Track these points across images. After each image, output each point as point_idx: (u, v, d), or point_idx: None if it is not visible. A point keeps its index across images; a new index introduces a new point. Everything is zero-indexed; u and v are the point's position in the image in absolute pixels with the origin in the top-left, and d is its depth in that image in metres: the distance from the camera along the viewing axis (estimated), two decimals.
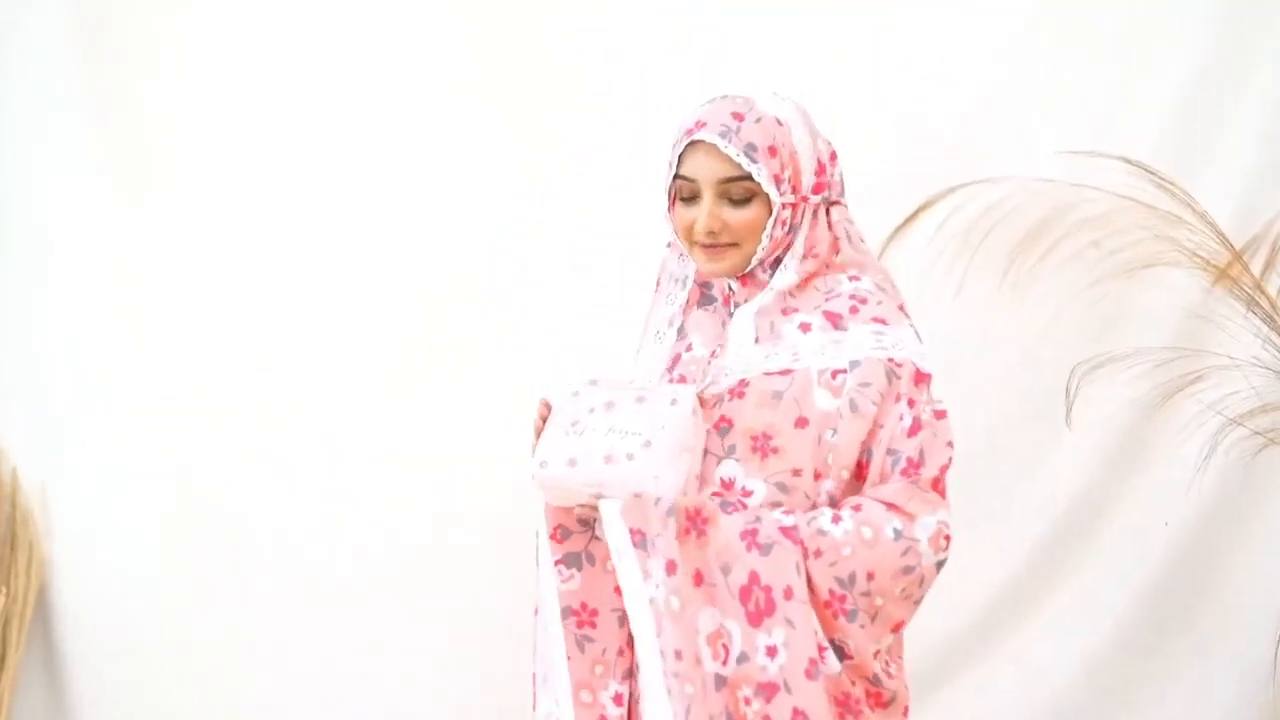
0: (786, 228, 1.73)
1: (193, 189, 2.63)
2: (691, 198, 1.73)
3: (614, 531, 1.60)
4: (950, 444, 1.69)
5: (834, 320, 1.71)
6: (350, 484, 2.59)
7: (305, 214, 2.61)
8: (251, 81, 2.61)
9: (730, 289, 1.80)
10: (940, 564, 1.65)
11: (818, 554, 1.60)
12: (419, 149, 2.58)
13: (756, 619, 1.58)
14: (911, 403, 1.67)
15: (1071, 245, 2.58)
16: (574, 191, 2.59)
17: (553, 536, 1.72)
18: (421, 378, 2.59)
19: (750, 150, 1.68)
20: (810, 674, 1.57)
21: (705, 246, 1.73)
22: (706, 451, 1.69)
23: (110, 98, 2.62)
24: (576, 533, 1.72)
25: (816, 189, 1.75)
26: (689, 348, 1.79)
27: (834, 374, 1.67)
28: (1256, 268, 2.52)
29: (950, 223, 2.59)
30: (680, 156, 1.73)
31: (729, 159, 1.68)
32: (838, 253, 1.76)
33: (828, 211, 1.77)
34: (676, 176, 1.74)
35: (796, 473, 1.66)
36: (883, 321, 1.70)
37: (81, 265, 2.63)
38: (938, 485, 1.66)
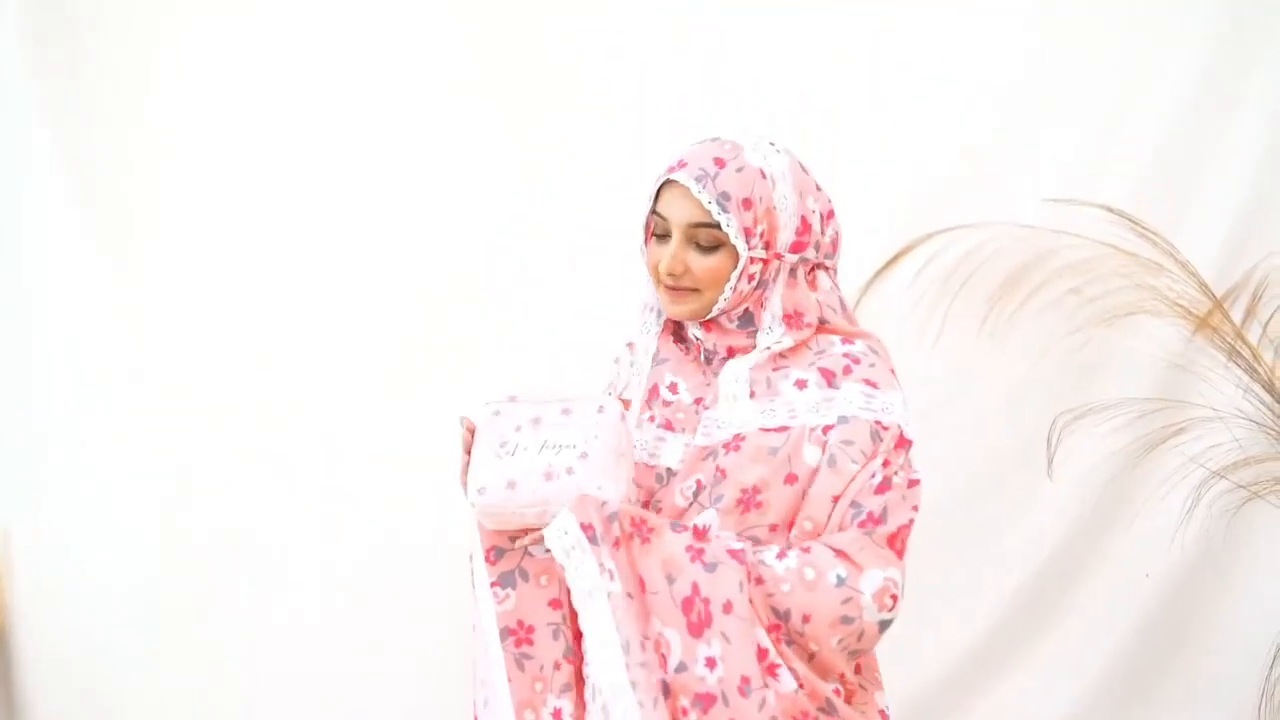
0: (755, 282, 1.71)
1: (192, 188, 2.63)
2: (664, 235, 1.72)
3: (563, 536, 1.58)
4: (916, 508, 1.67)
5: (829, 378, 1.70)
6: (350, 484, 2.58)
7: (305, 214, 2.61)
8: (252, 81, 2.61)
9: (696, 338, 1.78)
10: (884, 624, 1.61)
11: (758, 581, 1.59)
12: (419, 149, 2.58)
13: (697, 630, 1.56)
14: (887, 463, 1.66)
15: (1051, 292, 2.57)
16: (574, 191, 2.59)
17: (486, 558, 1.70)
18: (421, 378, 2.58)
19: (723, 199, 1.66)
20: (742, 691, 1.55)
21: (668, 288, 1.72)
22: (694, 501, 1.68)
23: (110, 94, 2.62)
24: (509, 550, 1.71)
25: (795, 248, 1.72)
26: (673, 388, 1.77)
27: (824, 430, 1.67)
28: (1237, 317, 2.51)
29: (930, 268, 2.58)
30: (658, 192, 1.72)
31: (700, 204, 1.67)
32: (825, 321, 1.75)
33: (812, 274, 1.75)
34: (653, 211, 1.73)
35: (774, 528, 1.67)
36: (873, 384, 1.70)
37: (80, 268, 2.64)
38: (894, 541, 1.63)
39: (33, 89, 2.60)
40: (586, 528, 1.58)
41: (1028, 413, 2.58)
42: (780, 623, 1.59)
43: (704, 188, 1.66)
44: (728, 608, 1.57)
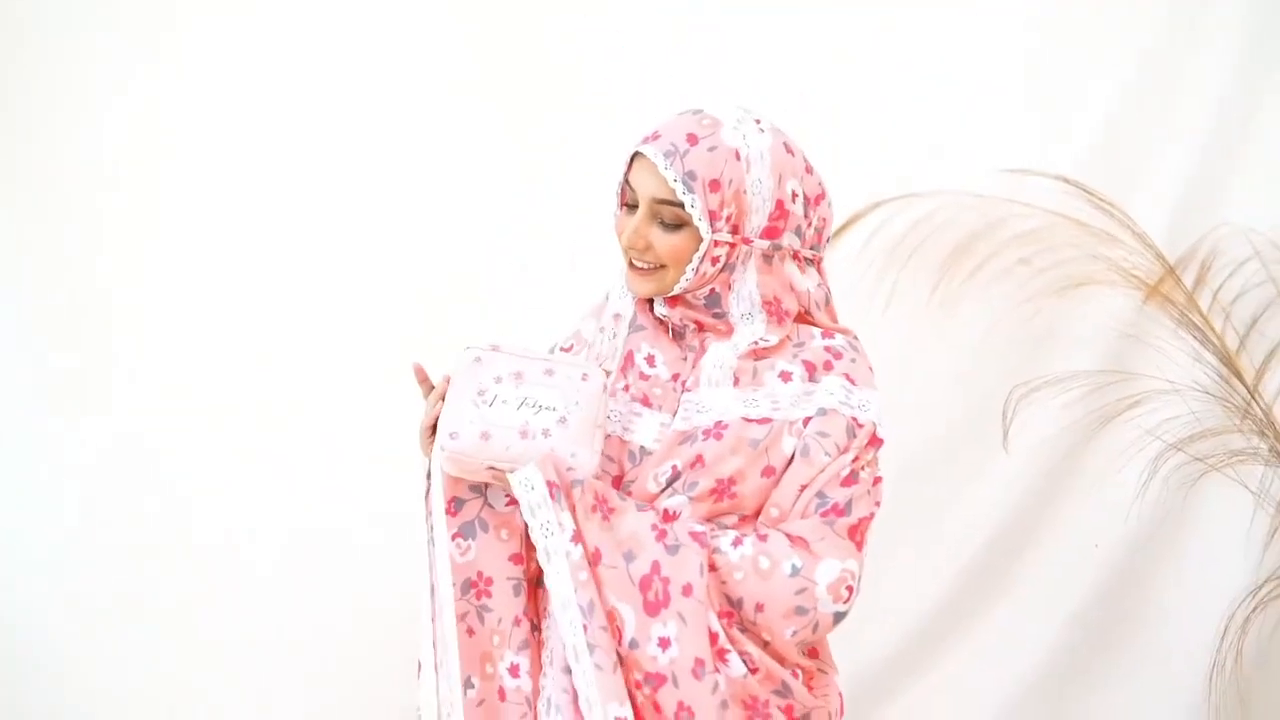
0: (720, 265, 1.65)
1: (192, 188, 2.60)
2: (633, 205, 1.67)
3: (530, 491, 1.56)
4: (878, 504, 1.66)
5: (810, 370, 1.68)
6: (350, 484, 2.57)
7: (305, 214, 2.59)
8: (252, 81, 2.58)
9: (662, 315, 1.72)
10: (839, 615, 1.60)
11: (712, 568, 1.58)
12: (419, 149, 2.58)
13: (653, 609, 1.55)
14: (856, 459, 1.64)
15: (1002, 262, 2.55)
16: (574, 191, 2.57)
17: (448, 510, 1.67)
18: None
19: (689, 179, 1.60)
20: (696, 673, 1.53)
21: (631, 264, 1.68)
22: (666, 487, 1.65)
23: (110, 90, 2.58)
24: (469, 500, 1.68)
25: (768, 233, 1.66)
26: (650, 360, 1.72)
27: (804, 422, 1.66)
28: (1187, 286, 2.51)
29: (878, 237, 2.56)
30: (630, 161, 1.66)
31: (666, 181, 1.61)
32: (808, 313, 1.72)
33: (798, 262, 1.70)
34: (625, 180, 1.67)
35: (744, 519, 1.65)
36: (852, 380, 1.68)
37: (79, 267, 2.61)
38: (854, 533, 1.61)
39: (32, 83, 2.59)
40: (551, 485, 1.56)
41: (979, 383, 2.58)
42: (733, 610, 1.58)
43: (670, 164, 1.60)
44: (687, 590, 1.55)
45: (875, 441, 1.67)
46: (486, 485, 1.68)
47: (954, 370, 2.58)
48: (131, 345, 2.61)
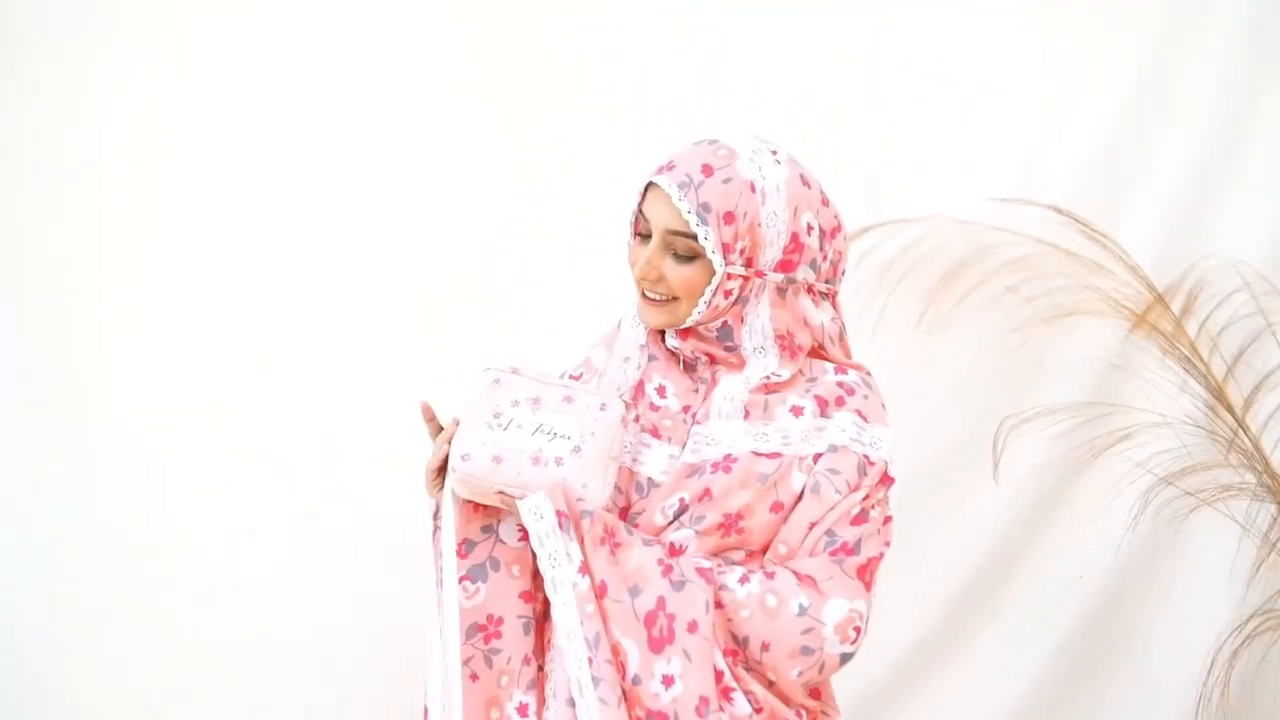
0: (732, 298, 1.63)
1: (192, 188, 2.58)
2: (646, 235, 1.64)
3: (539, 520, 1.54)
4: (888, 544, 1.64)
5: (822, 406, 1.66)
6: (351, 484, 2.55)
7: (305, 214, 2.58)
8: (252, 81, 2.57)
9: (673, 347, 1.70)
10: (846, 656, 1.58)
11: (718, 605, 1.56)
12: (419, 149, 2.57)
13: (658, 645, 1.53)
14: (867, 497, 1.62)
15: (990, 290, 2.55)
16: (574, 191, 2.57)
17: (458, 552, 1.65)
18: (422, 378, 2.46)
19: (703, 210, 1.57)
20: (700, 712, 1.51)
21: (644, 295, 1.65)
22: (673, 520, 1.63)
23: (110, 91, 2.57)
24: (480, 542, 1.67)
25: (782, 267, 1.63)
26: (660, 391, 1.70)
27: (815, 458, 1.64)
28: (1175, 315, 2.50)
29: (866, 262, 2.55)
30: (644, 191, 1.64)
31: (680, 213, 1.58)
32: (822, 348, 1.70)
33: (813, 296, 1.67)
34: (639, 209, 1.65)
35: (750, 554, 1.63)
36: (864, 417, 1.65)
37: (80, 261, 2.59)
38: (864, 573, 1.59)
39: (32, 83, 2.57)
40: (560, 515, 1.54)
41: (966, 411, 2.57)
42: (738, 649, 1.56)
43: (685, 195, 1.57)
44: (692, 627, 1.52)
45: (886, 480, 1.65)
46: (498, 522, 1.67)
47: (941, 397, 2.57)
48: (131, 346, 2.59)
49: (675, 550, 1.60)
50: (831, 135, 2.48)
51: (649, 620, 1.53)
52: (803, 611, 1.54)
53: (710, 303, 1.61)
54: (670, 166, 1.60)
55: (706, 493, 1.61)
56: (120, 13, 2.56)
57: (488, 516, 1.68)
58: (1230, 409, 2.48)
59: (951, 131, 2.59)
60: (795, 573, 1.57)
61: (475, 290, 2.57)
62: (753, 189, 1.59)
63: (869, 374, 1.72)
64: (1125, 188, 2.58)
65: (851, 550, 1.59)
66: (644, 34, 2.57)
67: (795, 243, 1.62)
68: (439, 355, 2.53)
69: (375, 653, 2.55)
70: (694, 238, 1.58)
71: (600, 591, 1.54)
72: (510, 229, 2.58)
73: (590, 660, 1.50)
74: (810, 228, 1.63)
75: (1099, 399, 2.55)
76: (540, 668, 1.66)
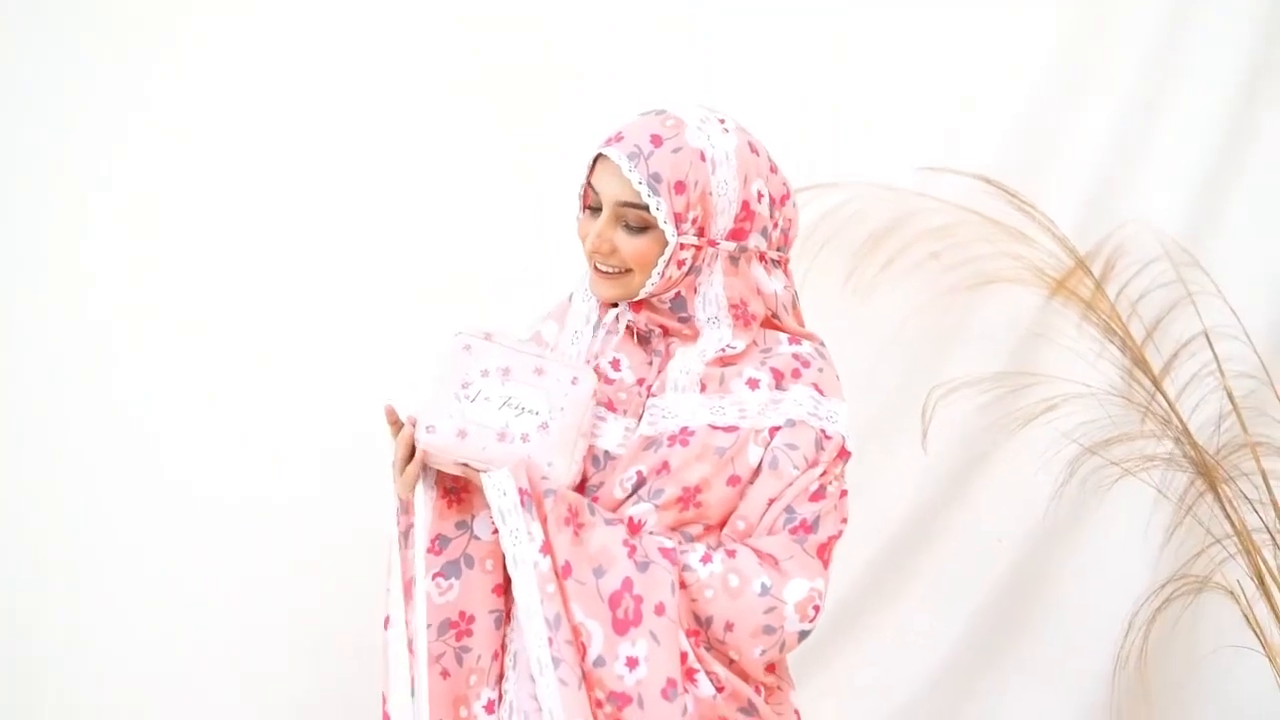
0: (685, 268, 1.62)
1: (190, 188, 2.55)
2: (596, 209, 1.64)
3: (501, 496, 1.53)
4: (845, 520, 1.66)
5: (778, 378, 1.66)
6: (350, 484, 2.48)
7: (305, 214, 2.55)
8: (252, 81, 2.54)
9: (628, 320, 1.68)
10: (804, 634, 1.59)
11: (682, 585, 1.55)
12: (419, 149, 2.55)
13: (622, 627, 1.52)
14: (824, 474, 1.63)
15: (913, 256, 2.55)
16: (574, 191, 2.48)
17: (431, 549, 1.64)
18: (421, 378, 2.46)
19: (654, 181, 1.57)
20: (666, 694, 1.50)
21: (595, 268, 1.65)
22: (632, 494, 1.61)
23: (109, 90, 2.52)
24: (454, 538, 1.65)
25: (734, 235, 1.63)
26: (615, 364, 1.68)
27: (771, 432, 1.63)
28: (1092, 284, 2.52)
29: None
30: (593, 163, 1.63)
31: (630, 184, 1.58)
32: (775, 317, 1.70)
33: (765, 265, 1.68)
34: (587, 182, 1.64)
35: (708, 528, 1.63)
36: (820, 390, 1.66)
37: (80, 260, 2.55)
38: (823, 551, 1.61)
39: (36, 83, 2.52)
40: (523, 493, 1.53)
41: (891, 375, 2.58)
42: (700, 629, 1.57)
43: (635, 166, 1.57)
44: (659, 609, 1.52)
45: (844, 454, 1.66)
46: (473, 518, 1.65)
47: (868, 361, 2.56)
48: (133, 346, 2.54)
49: (635, 526, 1.59)
50: (755, 101, 2.45)
51: (614, 601, 1.51)
52: (765, 591, 1.54)
53: (664, 274, 1.60)
54: (619, 138, 1.60)
55: (664, 466, 1.60)
56: (116, 8, 2.52)
57: (462, 512, 1.67)
58: (1150, 374, 2.50)
59: (874, 100, 2.59)
60: (756, 551, 1.57)
61: (475, 290, 2.55)
62: (702, 158, 1.58)
63: (822, 344, 1.72)
64: (1046, 156, 2.59)
65: (810, 528, 1.59)
66: (644, 34, 2.57)
67: (746, 211, 1.62)
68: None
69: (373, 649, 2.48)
70: (645, 209, 1.58)
71: (563, 572, 1.52)
72: (510, 229, 2.56)
73: (550, 640, 1.49)
74: (760, 195, 1.63)
75: (1022, 365, 2.56)
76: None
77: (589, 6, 2.57)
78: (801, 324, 1.74)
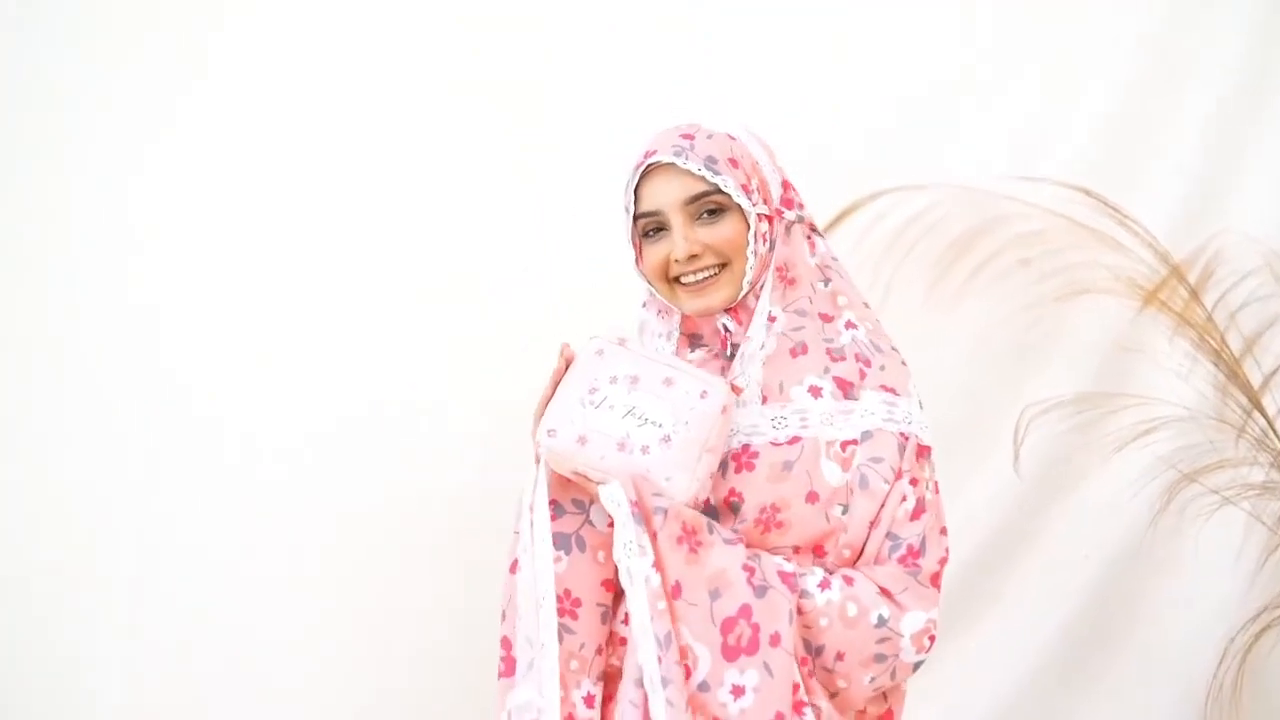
0: (768, 244, 1.60)
1: (189, 188, 2.51)
2: (658, 231, 1.61)
3: (616, 507, 1.49)
4: (944, 531, 1.62)
5: (845, 388, 1.60)
6: (350, 484, 2.52)
7: (305, 214, 2.53)
8: (252, 81, 2.51)
9: (726, 329, 1.65)
10: (918, 664, 1.57)
11: (799, 612, 1.52)
12: (419, 149, 2.54)
13: (732, 654, 1.46)
14: (915, 481, 1.59)
15: (1002, 262, 2.49)
16: (574, 192, 2.54)
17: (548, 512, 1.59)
18: (421, 378, 2.54)
19: (710, 163, 1.57)
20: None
21: (688, 285, 1.61)
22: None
23: (109, 90, 2.51)
24: (570, 513, 1.58)
25: (785, 204, 1.65)
26: None
27: (844, 445, 1.58)
28: (1187, 293, 2.44)
29: (875, 230, 2.49)
30: (637, 193, 1.60)
31: (690, 174, 1.57)
32: (827, 282, 1.66)
33: (810, 236, 1.67)
34: (637, 217, 1.62)
35: (797, 549, 1.57)
36: (893, 391, 1.61)
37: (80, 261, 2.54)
38: (936, 580, 1.58)
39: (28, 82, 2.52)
40: (635, 506, 1.48)
41: (972, 392, 2.53)
42: (809, 656, 1.53)
43: (688, 158, 1.57)
44: (775, 640, 1.48)
45: (923, 451, 1.62)
46: (590, 501, 1.59)
47: (950, 374, 2.51)
48: (133, 347, 2.51)
49: (751, 548, 1.55)
50: (831, 128, 2.50)
51: (726, 626, 1.47)
52: (882, 623, 1.52)
53: (756, 252, 1.58)
54: (652, 151, 1.60)
55: (735, 495, 1.57)
56: (118, 10, 2.51)
57: (581, 492, 1.60)
58: (1249, 392, 2.40)
59: (963, 103, 2.55)
60: (874, 582, 1.55)
61: (475, 290, 2.53)
62: (732, 137, 1.62)
63: (877, 322, 1.68)
64: (1137, 158, 2.54)
65: (918, 553, 1.56)
66: (644, 34, 2.55)
67: (785, 181, 1.66)
68: (439, 355, 2.51)
69: (373, 649, 2.51)
70: (712, 192, 1.56)
71: (674, 592, 1.48)
72: (510, 229, 2.54)
73: (660, 659, 1.45)
74: (783, 170, 1.68)
75: (1112, 380, 2.49)
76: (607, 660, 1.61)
77: (589, 6, 2.56)
78: (853, 284, 1.71)
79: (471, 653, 2.42)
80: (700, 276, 1.60)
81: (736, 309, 1.64)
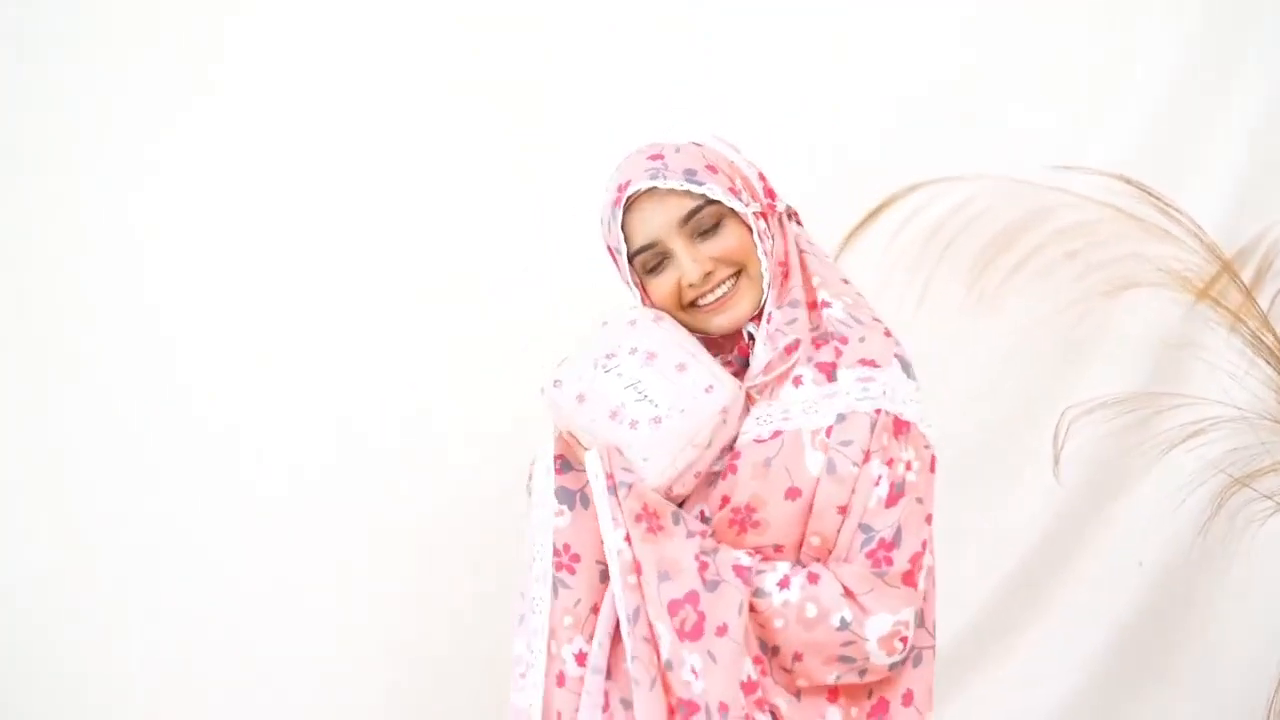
0: (772, 238, 1.57)
1: (189, 188, 2.52)
2: (660, 263, 1.58)
3: (595, 477, 1.51)
4: (929, 518, 1.53)
5: (826, 371, 1.55)
6: (350, 484, 2.52)
7: (305, 214, 2.53)
8: (252, 81, 2.52)
9: (750, 337, 1.61)
10: (895, 664, 1.51)
11: (752, 609, 1.49)
12: (419, 149, 2.54)
13: (681, 637, 1.46)
14: (890, 462, 1.51)
15: (1047, 256, 2.42)
16: (574, 192, 2.48)
17: (554, 467, 1.58)
18: (421, 378, 2.54)
19: (690, 175, 1.55)
20: (719, 716, 1.45)
21: (707, 306, 1.58)
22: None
23: (112, 94, 2.51)
24: (577, 470, 1.57)
25: (769, 195, 1.63)
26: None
27: (827, 432, 1.52)
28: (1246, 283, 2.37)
29: (913, 224, 2.43)
30: (624, 231, 1.57)
31: (675, 193, 1.54)
32: (808, 272, 1.63)
33: (782, 224, 1.64)
34: (633, 255, 1.58)
35: (779, 549, 1.53)
36: (872, 364, 1.53)
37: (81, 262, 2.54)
38: (909, 579, 1.50)
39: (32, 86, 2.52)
40: (609, 478, 1.49)
41: (1015, 390, 2.48)
42: (764, 656, 1.50)
43: (666, 176, 1.54)
44: (721, 630, 1.46)
45: (902, 426, 1.52)
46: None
47: (992, 371, 2.47)
48: (133, 347, 2.51)
49: (711, 542, 1.53)
50: (875, 119, 2.47)
51: (672, 608, 1.46)
52: (844, 626, 1.47)
53: (766, 251, 1.56)
54: (625, 182, 1.57)
55: (725, 500, 1.53)
56: (115, 11, 2.49)
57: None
58: None
59: (1007, 92, 2.49)
60: (839, 581, 1.49)
61: (475, 290, 2.52)
62: (699, 145, 1.60)
63: (859, 295, 1.62)
64: (1188, 148, 2.47)
65: (890, 545, 1.48)
66: (644, 34, 2.53)
67: (761, 175, 1.63)
68: (439, 355, 2.51)
69: (374, 649, 2.51)
70: (703, 204, 1.54)
71: (635, 568, 1.48)
72: (510, 229, 2.53)
73: (630, 633, 1.45)
74: (755, 164, 1.66)
75: (1162, 380, 2.43)
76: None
77: (589, 7, 2.54)
78: (837, 270, 1.66)
79: (472, 652, 2.44)
80: (719, 293, 1.57)
81: (759, 316, 1.60)
